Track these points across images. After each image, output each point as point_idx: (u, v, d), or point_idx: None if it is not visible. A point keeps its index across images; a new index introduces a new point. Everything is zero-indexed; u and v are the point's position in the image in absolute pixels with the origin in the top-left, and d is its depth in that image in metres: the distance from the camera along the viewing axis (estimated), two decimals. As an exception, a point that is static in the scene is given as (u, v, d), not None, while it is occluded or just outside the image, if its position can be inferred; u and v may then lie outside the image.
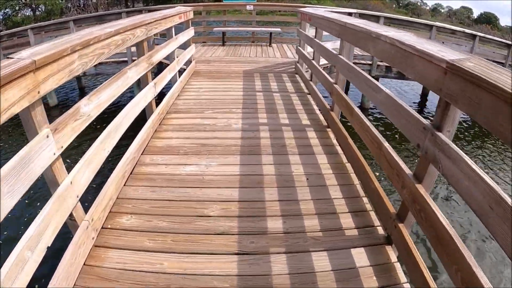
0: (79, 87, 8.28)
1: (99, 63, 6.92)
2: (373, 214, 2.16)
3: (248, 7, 8.32)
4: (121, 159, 2.42)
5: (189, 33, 4.95)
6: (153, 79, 3.19)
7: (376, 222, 2.08)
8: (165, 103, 3.62)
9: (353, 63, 2.94)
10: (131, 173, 2.52)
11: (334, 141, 3.12)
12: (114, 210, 2.12)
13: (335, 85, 3.15)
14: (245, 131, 3.25)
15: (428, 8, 62.49)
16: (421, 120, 1.60)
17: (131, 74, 2.53)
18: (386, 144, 2.04)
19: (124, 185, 2.37)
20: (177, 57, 4.26)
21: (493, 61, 1.27)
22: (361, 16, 6.63)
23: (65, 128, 1.56)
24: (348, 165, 2.72)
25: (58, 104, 7.53)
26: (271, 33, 7.97)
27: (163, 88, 3.56)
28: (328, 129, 3.37)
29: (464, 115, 1.34)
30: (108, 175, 2.21)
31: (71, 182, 1.60)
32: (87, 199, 1.94)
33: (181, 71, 5.05)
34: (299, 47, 5.28)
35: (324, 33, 4.03)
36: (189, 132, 3.24)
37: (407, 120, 1.72)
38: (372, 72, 7.14)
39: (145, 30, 2.83)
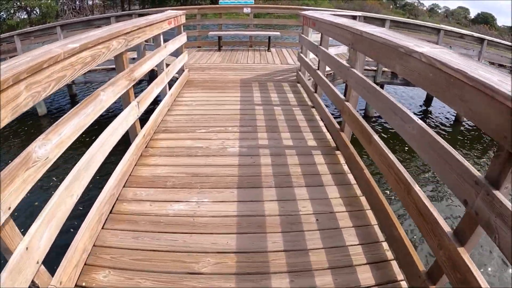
0: (70, 95, 7.82)
1: (88, 71, 6.63)
2: (395, 265, 1.77)
3: (245, 10, 7.91)
4: (97, 199, 2.01)
5: (181, 39, 4.53)
6: (148, 85, 2.75)
7: (400, 276, 1.71)
8: (152, 122, 3.18)
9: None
10: (110, 212, 2.11)
11: (345, 168, 2.71)
12: (90, 262, 1.74)
13: (346, 103, 2.73)
14: (243, 156, 2.82)
15: (425, 8, 62.68)
16: (473, 171, 1.19)
17: (106, 97, 2.09)
18: (417, 188, 1.62)
19: (102, 228, 1.98)
20: (166, 67, 3.83)
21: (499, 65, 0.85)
22: (366, 19, 6.22)
23: (12, 183, 1.18)
24: (363, 199, 2.32)
25: (48, 113, 7.08)
26: (269, 37, 7.56)
27: (152, 101, 3.13)
28: (338, 152, 2.95)
29: None
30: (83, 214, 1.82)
31: (26, 248, 1.24)
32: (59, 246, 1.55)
33: (173, 80, 4.63)
34: (301, 54, 4.86)
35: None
36: (179, 158, 2.81)
37: (450, 167, 1.31)
38: (376, 79, 6.76)
39: (124, 41, 2.40)
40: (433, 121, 7.35)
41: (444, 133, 6.77)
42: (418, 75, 1.58)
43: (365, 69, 6.63)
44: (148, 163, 2.74)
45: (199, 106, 3.99)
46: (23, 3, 21.88)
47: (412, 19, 51.79)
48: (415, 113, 7.80)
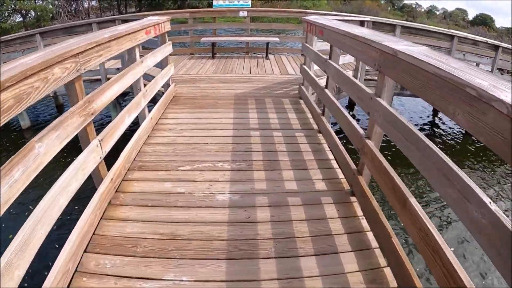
0: (57, 105, 7.18)
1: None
2: None
3: (241, 13, 7.28)
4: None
5: (165, 50, 3.91)
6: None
7: None
8: (125, 158, 2.56)
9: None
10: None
11: (364, 223, 2.11)
12: None
13: (367, 141, 2.12)
14: (235, 208, 2.20)
15: (423, 10, 62.51)
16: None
17: (45, 148, 1.48)
18: None
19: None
20: (145, 86, 3.21)
21: None
22: (375, 24, 5.62)
23: None
24: (388, 272, 1.72)
25: (32, 126, 6.45)
26: (268, 44, 6.94)
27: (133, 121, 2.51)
28: (353, 199, 2.35)
29: None
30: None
31: None
32: None
33: (159, 95, 4.02)
34: (304, 66, 4.25)
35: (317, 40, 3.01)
36: (155, 210, 2.20)
37: None
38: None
39: (75, 65, 1.78)
40: (442, 132, 6.77)
41: (453, 143, 6.21)
42: (502, 141, 0.98)
43: (373, 80, 6.04)
44: (117, 216, 2.13)
45: (185, 132, 3.37)
46: (17, 6, 21.39)
47: (411, 21, 51.54)
48: (423, 124, 7.35)
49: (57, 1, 24.16)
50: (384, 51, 1.83)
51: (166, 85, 4.31)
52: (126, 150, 2.63)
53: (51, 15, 23.06)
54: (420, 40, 6.31)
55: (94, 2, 28.81)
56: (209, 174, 2.61)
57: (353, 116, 6.48)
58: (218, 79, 5.32)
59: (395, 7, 63.26)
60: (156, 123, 3.56)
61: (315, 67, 4.34)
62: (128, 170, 2.64)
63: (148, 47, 4.45)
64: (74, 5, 25.44)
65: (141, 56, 3.18)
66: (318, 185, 2.50)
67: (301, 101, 4.31)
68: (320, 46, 4.46)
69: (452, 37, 6.33)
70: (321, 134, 3.34)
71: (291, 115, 3.85)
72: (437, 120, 7.35)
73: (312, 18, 3.73)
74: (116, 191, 2.35)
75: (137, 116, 2.98)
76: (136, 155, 2.86)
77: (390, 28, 5.89)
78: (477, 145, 6.06)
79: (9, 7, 21.14)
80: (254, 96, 4.48)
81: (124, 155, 2.56)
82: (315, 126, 3.54)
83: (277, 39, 6.95)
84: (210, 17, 7.39)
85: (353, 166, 2.43)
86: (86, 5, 27.52)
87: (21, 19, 22.36)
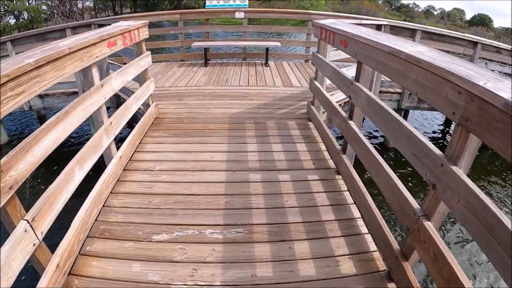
0: (38, 116, 6.34)
1: (46, 95, 5.17)
2: None
3: (237, 15, 6.48)
4: None
5: (141, 64, 3.11)
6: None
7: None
8: (79, 226, 1.77)
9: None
10: None
11: None
12: None
13: (426, 223, 1.35)
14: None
15: (420, 10, 62.14)
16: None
17: None
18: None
19: None
20: (110, 118, 2.41)
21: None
22: (393, 29, 4.86)
23: None
24: None
25: (11, 141, 5.62)
26: (267, 49, 6.14)
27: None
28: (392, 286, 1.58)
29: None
30: None
31: None
32: None
33: (139, 114, 3.23)
34: (315, 83, 3.46)
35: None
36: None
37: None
38: (402, 104, 5.43)
39: None
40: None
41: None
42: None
43: (389, 92, 5.30)
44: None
45: (164, 174, 2.57)
46: (10, 7, 20.68)
47: (409, 21, 51.10)
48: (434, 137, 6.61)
49: (50, 1, 23.47)
50: (479, 97, 1.05)
51: (145, 105, 3.51)
52: (80, 215, 1.83)
53: (45, 16, 22.62)
54: (440, 46, 5.59)
55: (88, 2, 28.15)
56: (193, 249, 1.83)
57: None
58: (210, 94, 4.51)
59: (393, 7, 62.93)
60: (130, 159, 2.77)
61: (328, 81, 3.56)
62: (87, 237, 1.88)
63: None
64: (68, 6, 24.60)
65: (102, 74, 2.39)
66: (345, 267, 1.73)
67: (311, 124, 3.53)
68: (333, 56, 3.69)
69: (475, 44, 5.60)
70: (340, 177, 2.57)
71: (300, 145, 3.07)
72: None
73: (328, 22, 2.93)
74: (69, 274, 1.59)
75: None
76: (99, 212, 2.08)
77: (409, 34, 5.14)
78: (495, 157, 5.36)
79: (1, 8, 20.70)
80: (253, 117, 3.69)
81: (77, 224, 1.77)
82: (331, 163, 2.76)
83: (278, 43, 6.15)
84: (203, 18, 6.57)
85: (395, 244, 1.66)
86: (80, 6, 26.72)
87: (14, 20, 21.78)
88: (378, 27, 4.47)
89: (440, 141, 6.32)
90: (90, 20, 6.83)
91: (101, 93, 2.21)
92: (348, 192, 2.40)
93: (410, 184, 4.28)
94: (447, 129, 6.80)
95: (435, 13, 63.91)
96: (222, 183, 2.48)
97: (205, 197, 2.31)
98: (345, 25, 2.71)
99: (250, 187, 2.43)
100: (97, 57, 2.14)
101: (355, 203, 2.25)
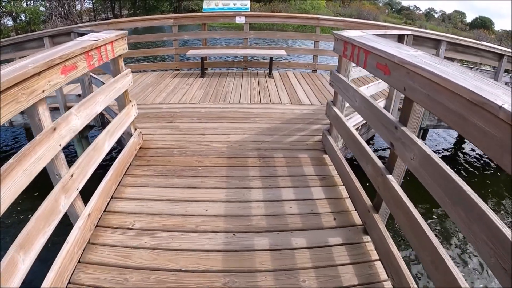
0: (25, 129, 5.70)
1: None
2: None
3: (237, 19, 5.86)
4: None
5: (117, 86, 2.49)
6: None
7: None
8: None
9: None
10: None
11: None
12: None
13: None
14: None
15: (421, 12, 61.81)
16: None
17: None
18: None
19: None
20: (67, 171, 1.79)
21: None
22: (415, 39, 4.26)
23: None
24: None
25: None
26: (271, 58, 5.52)
27: None
28: None
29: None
30: None
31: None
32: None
33: (123, 137, 2.63)
34: (333, 108, 2.84)
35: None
36: None
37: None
38: (422, 122, 4.83)
39: None
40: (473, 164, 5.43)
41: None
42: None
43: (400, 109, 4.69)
44: None
45: (146, 237, 1.96)
46: (7, 8, 20.46)
47: (410, 23, 50.77)
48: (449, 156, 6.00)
49: (49, 3, 23.14)
50: None
51: (127, 135, 2.89)
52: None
53: (43, 18, 22.29)
54: (463, 57, 5.01)
55: (87, 4, 27.66)
56: None
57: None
58: (207, 114, 3.89)
59: (393, 9, 62.56)
60: (105, 210, 2.16)
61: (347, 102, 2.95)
62: None
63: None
64: (66, 8, 24.10)
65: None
66: None
67: (327, 158, 2.92)
68: (353, 74, 3.08)
69: (501, 56, 5.02)
70: (368, 238, 1.96)
71: (316, 190, 2.45)
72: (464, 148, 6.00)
73: (354, 36, 2.31)
74: None
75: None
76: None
77: (432, 44, 4.55)
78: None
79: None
80: (257, 148, 3.07)
81: None
82: (355, 217, 2.15)
83: (283, 52, 5.54)
84: (199, 23, 5.95)
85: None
86: (79, 7, 26.20)
87: (11, 22, 21.61)
88: (400, 38, 3.87)
89: (457, 158, 5.71)
90: (70, 26, 6.18)
91: (54, 140, 1.59)
92: (380, 263, 1.80)
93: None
94: (462, 146, 6.19)
95: (436, 15, 63.61)
96: (218, 252, 1.87)
97: (196, 275, 1.71)
98: (380, 40, 2.09)
99: (255, 260, 1.82)
100: (44, 91, 1.52)
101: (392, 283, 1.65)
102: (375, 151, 5.25)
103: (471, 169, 5.31)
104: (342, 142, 2.99)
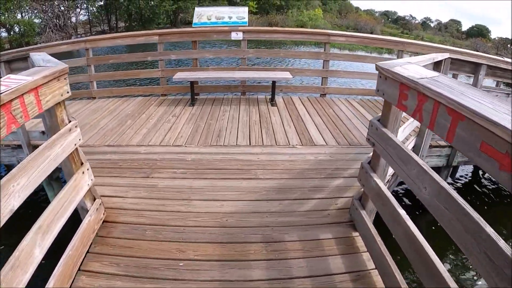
0: None
1: None
2: None
3: (234, 35, 5.04)
4: None
5: (52, 153, 1.61)
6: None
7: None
8: None
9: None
10: None
11: None
12: None
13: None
14: None
15: (417, 22, 62.02)
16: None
17: None
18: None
19: None
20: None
21: None
22: (454, 62, 3.43)
23: None
24: None
25: None
26: (274, 82, 4.68)
27: None
28: None
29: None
30: None
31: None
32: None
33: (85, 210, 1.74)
34: (372, 175, 1.95)
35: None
36: None
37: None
38: (454, 159, 4.01)
39: None
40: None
41: None
42: None
43: (438, 146, 3.88)
44: None
45: None
46: (0, 20, 20.03)
47: (406, 33, 50.68)
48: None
49: (43, 15, 22.74)
50: None
51: (81, 210, 2.01)
52: None
53: (38, 30, 21.96)
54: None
55: (82, 16, 27.20)
56: None
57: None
58: (195, 162, 3.01)
59: (389, 19, 62.77)
60: None
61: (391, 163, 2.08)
62: None
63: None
64: (63, 20, 23.52)
65: None
66: None
67: (357, 239, 2.05)
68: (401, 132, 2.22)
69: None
70: None
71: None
72: None
73: (421, 75, 1.44)
74: None
75: None
76: None
77: (470, 69, 3.73)
78: None
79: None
80: (262, 224, 2.19)
81: None
82: None
83: (288, 74, 4.70)
84: (188, 40, 5.13)
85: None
86: (74, 20, 25.65)
87: (5, 34, 21.22)
88: (437, 65, 3.05)
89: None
90: (25, 48, 5.34)
91: None
92: None
93: None
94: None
95: (432, 24, 63.89)
96: None
97: None
98: (471, 92, 1.23)
99: None
100: None
101: None
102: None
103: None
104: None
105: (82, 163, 2.03)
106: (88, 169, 2.04)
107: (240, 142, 3.42)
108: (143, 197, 2.51)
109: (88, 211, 2.06)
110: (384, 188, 1.82)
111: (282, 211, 2.35)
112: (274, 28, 6.08)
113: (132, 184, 2.69)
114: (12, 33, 21.32)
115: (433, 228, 3.16)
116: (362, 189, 2.14)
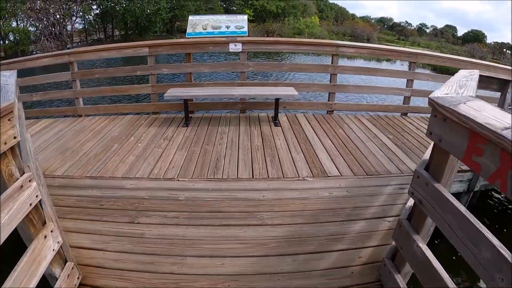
0: None
1: None
2: None
3: (232, 47, 4.61)
4: None
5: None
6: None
7: None
8: None
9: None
10: None
11: None
12: None
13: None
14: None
15: (413, 28, 62.40)
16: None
17: None
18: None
19: None
20: None
21: None
22: (482, 79, 3.02)
23: None
24: None
25: None
26: (278, 100, 4.25)
27: None
28: None
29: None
30: None
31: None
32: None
33: None
34: (413, 239, 1.50)
35: None
36: None
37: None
38: (476, 185, 3.59)
39: None
40: None
41: None
42: None
43: (461, 171, 3.46)
44: None
45: None
46: None
47: (403, 39, 50.75)
48: None
49: (38, 23, 22.55)
50: None
51: (50, 278, 1.55)
52: None
53: (33, 39, 21.80)
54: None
55: (77, 25, 26.83)
56: None
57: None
58: (189, 203, 2.55)
59: (385, 25, 63.12)
60: None
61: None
62: None
63: None
64: (58, 28, 23.20)
65: None
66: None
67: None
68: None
69: None
70: None
71: None
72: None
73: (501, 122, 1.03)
74: None
75: None
76: None
77: (498, 86, 3.33)
78: None
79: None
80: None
81: None
82: None
83: (293, 91, 4.26)
84: (181, 52, 4.71)
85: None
86: (69, 28, 25.39)
87: (0, 42, 21.18)
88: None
89: None
90: (5, 62, 4.90)
91: None
92: None
93: None
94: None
95: (428, 30, 64.31)
96: None
97: None
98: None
99: None
100: None
101: None
102: None
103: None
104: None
105: (44, 223, 1.57)
106: (52, 231, 1.58)
107: (242, 175, 2.96)
108: (127, 251, 2.05)
109: (57, 278, 1.61)
110: (434, 261, 1.37)
111: (297, 271, 1.90)
112: (276, 38, 5.63)
113: (115, 231, 2.23)
114: (7, 41, 21.12)
115: None
116: (396, 247, 1.69)
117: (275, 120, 4.29)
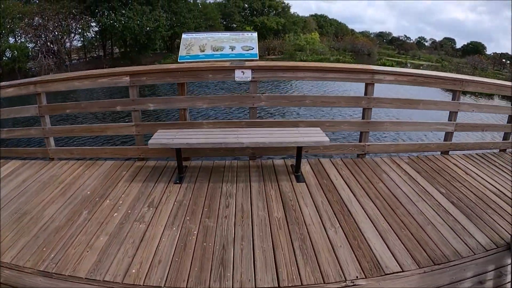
0: None
1: None
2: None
3: (238, 75, 3.63)
4: None
5: None
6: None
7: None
8: None
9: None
10: None
11: None
12: None
13: None
14: None
15: (412, 41, 62.57)
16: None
17: None
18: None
19: None
20: None
21: None
22: None
23: None
24: None
25: None
26: (300, 149, 3.25)
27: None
28: None
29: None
30: None
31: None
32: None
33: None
34: None
35: None
36: None
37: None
38: None
39: None
40: None
41: None
42: None
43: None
44: None
45: None
46: None
47: (403, 53, 50.46)
48: None
49: (37, 39, 22.12)
50: None
51: None
52: None
53: (30, 55, 21.42)
54: None
55: (76, 42, 26.57)
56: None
57: None
58: None
59: (384, 40, 63.30)
60: None
61: None
62: None
63: None
64: (57, 46, 22.75)
65: None
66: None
67: None
68: None
69: None
70: None
71: None
72: None
73: None
74: None
75: None
76: None
77: None
78: None
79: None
80: None
81: None
82: None
83: (320, 133, 3.27)
84: (172, 82, 3.76)
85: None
86: (68, 46, 25.00)
87: None
88: None
89: None
90: None
91: None
92: None
93: None
94: None
95: (427, 44, 64.46)
96: None
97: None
98: None
99: None
100: None
101: None
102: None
103: None
104: None
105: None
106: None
107: (262, 282, 1.93)
108: None
109: None
110: None
111: None
112: (296, 63, 4.56)
113: None
114: (4, 58, 20.52)
115: None
116: None
117: (296, 173, 3.28)
